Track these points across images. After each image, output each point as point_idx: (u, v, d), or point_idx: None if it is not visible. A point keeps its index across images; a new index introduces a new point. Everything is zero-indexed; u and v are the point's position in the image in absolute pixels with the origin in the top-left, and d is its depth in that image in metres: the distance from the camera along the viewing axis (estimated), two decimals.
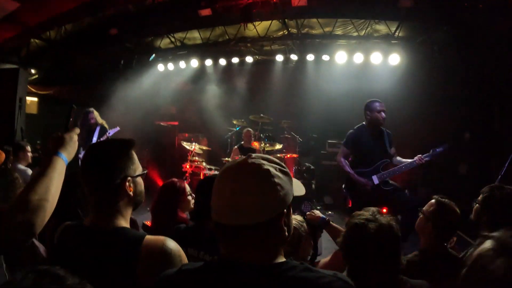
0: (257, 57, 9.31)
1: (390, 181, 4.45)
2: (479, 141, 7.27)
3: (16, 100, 7.87)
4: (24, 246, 1.46)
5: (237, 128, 8.72)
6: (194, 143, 7.81)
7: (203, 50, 9.09)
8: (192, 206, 2.77)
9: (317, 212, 2.54)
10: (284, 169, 1.07)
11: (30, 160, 5.15)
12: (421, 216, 2.34)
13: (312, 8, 6.93)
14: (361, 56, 7.75)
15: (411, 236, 1.52)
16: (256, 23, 7.60)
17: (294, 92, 9.18)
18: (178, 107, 10.58)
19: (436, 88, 7.53)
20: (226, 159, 7.67)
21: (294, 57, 8.61)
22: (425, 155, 4.28)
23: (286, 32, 7.97)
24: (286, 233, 1.05)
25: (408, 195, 4.73)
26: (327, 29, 7.84)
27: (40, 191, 1.32)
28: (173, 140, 10.08)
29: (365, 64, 7.83)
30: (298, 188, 1.20)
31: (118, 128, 6.31)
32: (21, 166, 4.88)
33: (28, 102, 8.97)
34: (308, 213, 2.52)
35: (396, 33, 7.47)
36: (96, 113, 6.35)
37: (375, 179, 4.32)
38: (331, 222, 2.53)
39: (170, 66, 9.42)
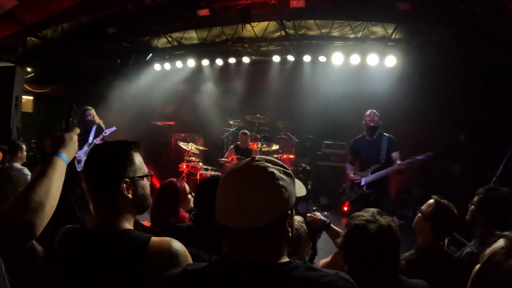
0: (254, 57, 9.31)
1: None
2: (474, 142, 7.32)
3: (12, 98, 7.80)
4: (24, 247, 1.46)
5: (234, 129, 8.71)
6: (190, 143, 7.81)
7: (200, 50, 9.08)
8: (192, 205, 2.78)
9: (318, 214, 2.57)
10: (288, 171, 1.08)
11: (25, 159, 5.13)
12: (419, 215, 2.35)
13: (310, 9, 6.94)
14: (357, 57, 7.79)
15: (403, 235, 1.57)
16: (254, 23, 7.61)
17: (291, 93, 9.18)
18: (174, 107, 10.57)
19: (431, 90, 7.58)
20: (222, 159, 7.67)
21: (291, 58, 8.62)
22: (404, 161, 4.60)
23: (283, 33, 7.97)
24: (290, 234, 1.06)
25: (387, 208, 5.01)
26: (324, 31, 7.87)
27: (40, 191, 1.30)
28: (170, 140, 10.05)
29: (361, 65, 7.86)
30: (299, 189, 1.22)
31: (114, 128, 6.26)
32: (17, 165, 4.86)
33: (23, 101, 8.91)
34: (309, 215, 2.55)
35: (393, 35, 7.51)
36: (93, 112, 6.31)
37: (363, 181, 4.90)
38: (331, 225, 2.57)
39: (167, 65, 9.40)
